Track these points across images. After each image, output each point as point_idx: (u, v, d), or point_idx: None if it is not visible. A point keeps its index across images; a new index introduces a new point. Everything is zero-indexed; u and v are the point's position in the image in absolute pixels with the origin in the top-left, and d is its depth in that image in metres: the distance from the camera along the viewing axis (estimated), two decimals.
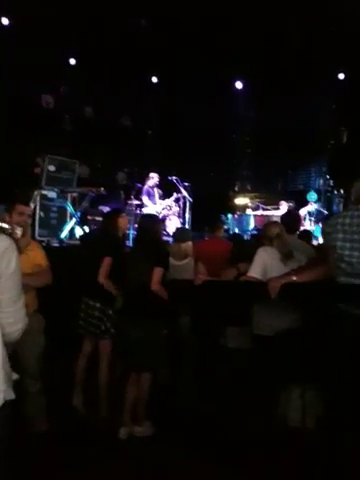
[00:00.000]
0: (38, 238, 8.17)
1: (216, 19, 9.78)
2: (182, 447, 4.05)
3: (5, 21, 10.37)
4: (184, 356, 5.12)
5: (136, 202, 10.36)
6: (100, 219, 9.78)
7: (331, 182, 12.68)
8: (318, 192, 12.19)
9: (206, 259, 5.19)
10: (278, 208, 11.13)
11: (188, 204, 10.66)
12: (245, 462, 3.82)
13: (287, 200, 11.42)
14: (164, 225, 9.90)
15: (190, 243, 5.35)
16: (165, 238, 8.43)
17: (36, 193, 9.04)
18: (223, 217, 10.71)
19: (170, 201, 10.46)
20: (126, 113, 13.25)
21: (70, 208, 9.30)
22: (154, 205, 10.20)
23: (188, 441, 4.14)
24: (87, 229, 9.10)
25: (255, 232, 10.07)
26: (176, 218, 10.47)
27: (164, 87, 12.82)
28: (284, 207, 10.99)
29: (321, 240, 7.52)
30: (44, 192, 9.37)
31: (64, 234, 8.98)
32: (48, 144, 10.73)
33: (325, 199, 12.33)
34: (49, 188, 9.45)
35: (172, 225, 10.02)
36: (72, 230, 9.18)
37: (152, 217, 5.47)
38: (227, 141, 13.40)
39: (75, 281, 5.22)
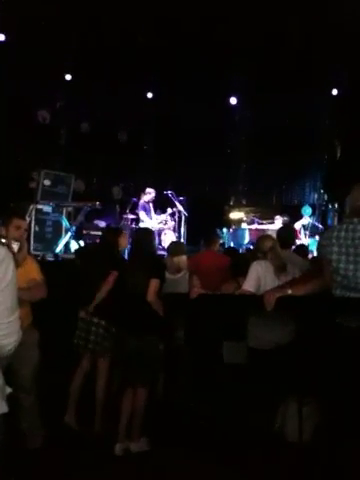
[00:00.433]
0: (33, 252, 8.17)
1: (213, 27, 9.87)
2: (178, 462, 4.02)
3: (1, 37, 10.43)
4: (180, 370, 5.09)
5: (131, 216, 10.38)
6: (95, 233, 9.83)
7: (326, 196, 12.74)
8: (313, 206, 12.24)
9: (202, 273, 5.19)
10: (273, 222, 11.17)
11: (183, 218, 10.69)
12: (243, 476, 3.79)
13: (282, 214, 11.46)
14: (159, 239, 9.92)
15: (184, 257, 5.33)
16: (160, 252, 8.43)
17: (31, 207, 9.06)
18: (219, 231, 10.73)
19: (166, 216, 10.49)
20: (122, 128, 13.31)
21: (65, 222, 9.32)
22: (150, 220, 10.22)
23: (184, 456, 4.11)
24: (82, 243, 9.10)
25: (250, 246, 10.07)
26: (171, 232, 10.49)
27: (159, 102, 12.91)
28: (279, 221, 11.03)
29: (316, 253, 7.53)
30: (39, 206, 9.40)
31: (59, 248, 8.98)
32: (44, 159, 10.79)
33: (320, 213, 12.38)
34: (44, 202, 9.48)
35: (167, 239, 10.03)
36: (67, 244, 9.18)
37: (146, 230, 5.49)
38: (222, 155, 13.47)
39: (70, 295, 5.19)
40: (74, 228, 9.16)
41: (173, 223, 10.63)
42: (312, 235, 11.02)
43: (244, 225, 11.58)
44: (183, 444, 4.29)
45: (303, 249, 6.87)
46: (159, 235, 10.05)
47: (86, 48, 10.43)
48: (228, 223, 11.99)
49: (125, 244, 5.39)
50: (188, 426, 4.55)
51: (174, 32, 9.94)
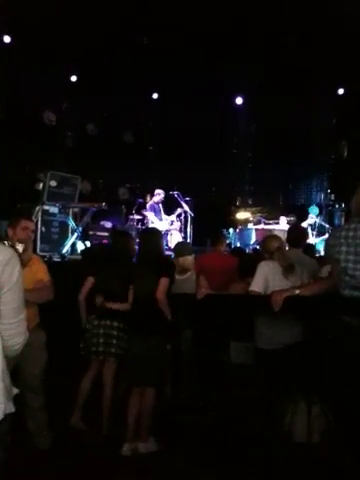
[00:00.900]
0: (39, 253, 8.18)
1: (218, 28, 9.85)
2: (187, 462, 4.01)
3: (7, 39, 10.47)
4: (187, 371, 5.08)
5: (137, 217, 10.37)
6: (102, 234, 9.84)
7: (332, 196, 12.70)
8: (319, 206, 12.20)
9: (208, 273, 5.17)
10: (279, 222, 11.15)
11: (190, 219, 10.67)
12: (251, 476, 3.78)
13: (288, 214, 11.44)
14: (166, 240, 9.91)
15: (190, 257, 5.30)
16: (167, 253, 8.42)
17: (38, 208, 9.08)
18: (225, 231, 10.71)
19: (174, 216, 10.48)
20: (127, 129, 13.33)
21: (72, 223, 9.33)
22: (160, 221, 10.20)
23: (192, 456, 4.10)
24: (88, 244, 9.11)
25: (257, 246, 10.06)
26: (178, 233, 10.47)
27: (165, 103, 12.91)
28: (284, 221, 11.00)
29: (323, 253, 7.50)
30: (46, 207, 9.42)
31: (66, 249, 8.99)
32: (50, 160, 10.82)
33: (327, 213, 12.34)
34: (51, 203, 9.50)
35: (174, 240, 10.01)
36: (73, 245, 9.20)
37: (153, 231, 5.47)
38: (228, 156, 13.46)
39: (77, 296, 5.18)
40: (80, 229, 9.17)
41: (179, 224, 10.62)
42: (319, 235, 11.00)
43: (250, 225, 11.57)
44: (190, 444, 4.29)
45: (310, 249, 6.84)
46: (165, 236, 10.04)
47: (91, 49, 10.44)
48: (234, 223, 11.99)
49: (133, 251, 5.39)
50: (196, 426, 4.54)
51: (179, 33, 9.92)
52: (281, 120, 12.35)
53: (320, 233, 11.09)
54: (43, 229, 9.27)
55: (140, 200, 10.69)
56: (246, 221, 11.92)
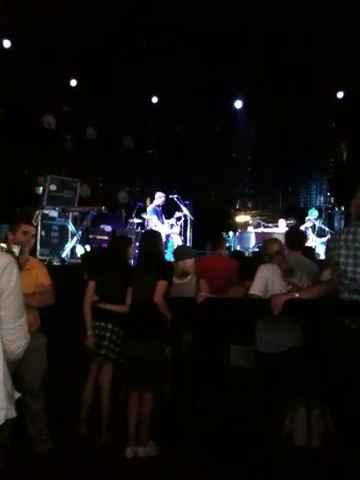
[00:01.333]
0: (39, 257, 8.17)
1: (218, 31, 9.87)
2: (187, 465, 4.01)
3: (7, 43, 10.49)
4: (187, 374, 5.08)
5: (137, 221, 10.37)
6: (101, 238, 9.84)
7: (332, 199, 12.72)
8: (319, 209, 12.22)
9: (209, 276, 5.17)
10: (279, 225, 11.16)
11: (189, 222, 10.68)
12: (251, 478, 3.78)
13: (287, 218, 11.45)
14: (166, 243, 9.91)
15: (190, 261, 5.29)
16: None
17: (37, 212, 9.08)
18: (225, 234, 10.71)
19: (173, 220, 10.49)
20: (127, 133, 13.35)
21: (71, 227, 9.33)
22: (162, 225, 10.21)
23: (192, 459, 4.10)
24: (88, 248, 9.11)
25: (256, 249, 10.06)
26: (177, 236, 10.47)
27: (164, 107, 12.94)
28: (283, 224, 11.02)
29: (323, 256, 7.51)
30: (45, 211, 9.41)
31: (65, 253, 8.99)
32: (49, 164, 10.83)
33: (326, 216, 12.36)
34: (50, 207, 9.50)
35: (174, 243, 10.02)
36: (73, 249, 9.19)
37: (152, 233, 5.48)
38: (227, 159, 13.48)
39: (77, 300, 5.19)
40: (80, 233, 9.17)
41: (179, 227, 10.63)
42: (319, 237, 11.01)
43: (250, 228, 11.57)
44: (190, 448, 4.28)
45: (310, 251, 6.85)
46: (168, 239, 10.06)
47: (91, 53, 10.46)
48: (234, 226, 11.99)
49: (131, 255, 5.39)
50: (196, 429, 4.54)
51: (178, 35, 9.94)
52: (281, 123, 12.39)
53: (320, 236, 11.10)
54: (43, 233, 9.27)
55: (140, 203, 10.70)
56: (246, 224, 11.92)
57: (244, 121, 13.44)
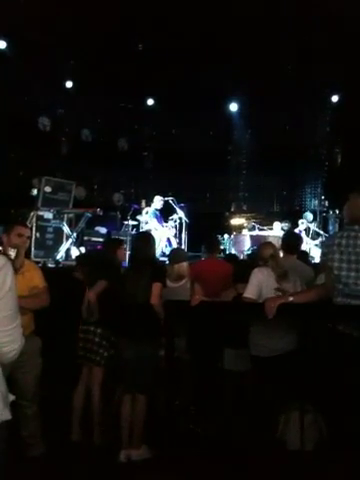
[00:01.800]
0: (34, 259, 8.15)
1: (214, 35, 9.90)
2: (180, 469, 4.00)
3: (2, 45, 10.48)
4: (181, 377, 5.08)
5: (132, 223, 10.38)
6: (96, 240, 9.83)
7: (326, 202, 12.78)
8: (314, 212, 12.27)
9: (203, 280, 5.17)
10: (273, 228, 11.21)
11: (184, 225, 10.68)
12: None
13: (282, 221, 11.49)
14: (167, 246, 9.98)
15: (185, 264, 5.28)
16: (162, 259, 8.43)
17: (32, 214, 9.06)
18: (220, 237, 10.73)
19: (168, 223, 10.50)
20: (122, 135, 13.35)
21: (66, 229, 9.32)
22: (163, 228, 10.22)
23: (186, 463, 4.09)
24: (83, 250, 9.10)
25: (251, 252, 10.07)
26: (173, 239, 10.48)
27: (160, 110, 12.95)
28: (278, 227, 11.05)
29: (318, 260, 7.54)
30: (40, 213, 9.39)
31: (60, 255, 8.97)
32: (45, 166, 10.82)
33: (321, 219, 12.41)
34: (45, 209, 9.48)
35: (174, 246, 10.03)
36: (68, 251, 9.17)
37: (145, 235, 5.48)
38: (223, 162, 13.50)
39: (72, 303, 5.18)
40: (75, 235, 9.16)
41: (174, 230, 10.64)
42: (313, 240, 11.07)
43: (245, 231, 11.60)
44: (184, 451, 4.28)
45: (305, 255, 6.87)
46: (168, 242, 10.10)
47: (86, 55, 10.47)
48: (229, 229, 12.01)
49: (123, 257, 5.38)
50: (189, 433, 4.54)
51: (174, 39, 9.96)
52: (276, 127, 12.43)
53: (314, 239, 11.15)
54: (37, 235, 9.25)
55: (135, 206, 10.71)
56: (241, 227, 11.95)
57: (239, 124, 13.47)
